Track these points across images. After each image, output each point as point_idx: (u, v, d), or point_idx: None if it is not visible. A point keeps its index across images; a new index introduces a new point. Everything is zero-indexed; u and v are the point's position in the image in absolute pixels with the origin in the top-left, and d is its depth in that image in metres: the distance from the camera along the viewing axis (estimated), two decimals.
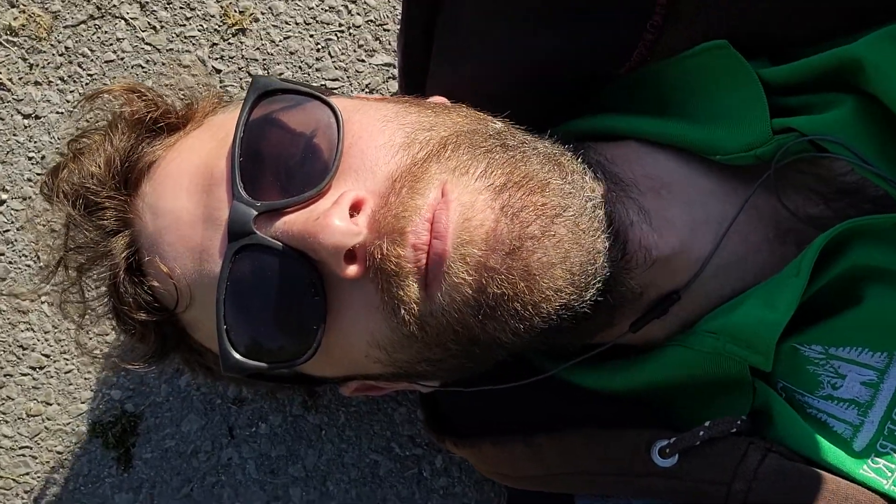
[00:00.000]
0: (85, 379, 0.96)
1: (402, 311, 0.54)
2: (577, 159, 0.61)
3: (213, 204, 0.57)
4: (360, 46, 0.91)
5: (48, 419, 0.96)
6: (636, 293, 0.61)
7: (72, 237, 0.65)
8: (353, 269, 0.53)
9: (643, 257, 0.59)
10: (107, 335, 0.95)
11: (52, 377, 0.96)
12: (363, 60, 0.91)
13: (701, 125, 0.63)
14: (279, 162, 0.57)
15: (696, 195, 0.63)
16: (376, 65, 0.91)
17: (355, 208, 0.54)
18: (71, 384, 0.96)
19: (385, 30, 0.91)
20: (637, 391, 0.66)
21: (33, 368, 0.96)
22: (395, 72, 0.91)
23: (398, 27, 0.87)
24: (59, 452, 0.96)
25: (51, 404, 0.96)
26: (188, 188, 0.59)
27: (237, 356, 0.57)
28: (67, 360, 0.96)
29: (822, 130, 0.58)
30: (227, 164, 0.57)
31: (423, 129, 0.58)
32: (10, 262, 0.95)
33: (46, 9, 0.95)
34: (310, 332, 0.57)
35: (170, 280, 0.59)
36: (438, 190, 0.54)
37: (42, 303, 0.95)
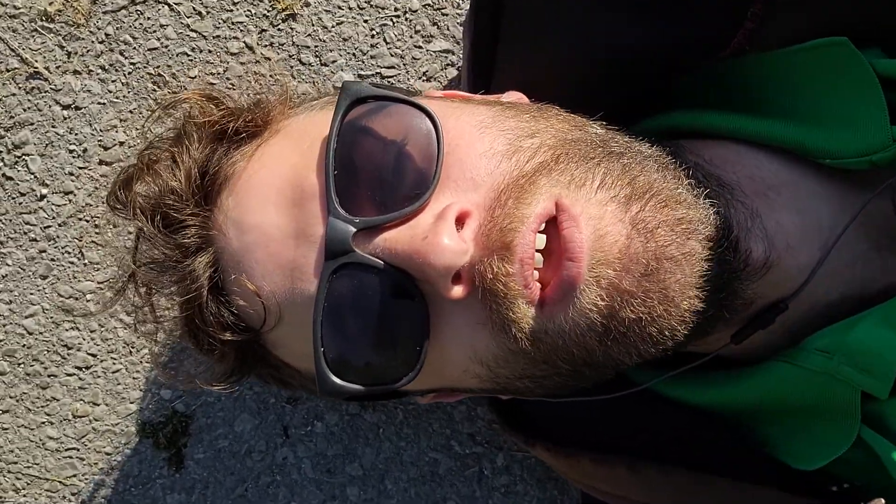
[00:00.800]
0: (133, 378, 0.93)
1: (514, 330, 0.51)
2: (679, 162, 0.58)
3: (307, 220, 0.54)
4: (416, 32, 0.87)
5: (96, 420, 0.94)
6: (748, 303, 0.58)
7: (144, 252, 0.62)
8: (458, 290, 0.51)
9: (760, 265, 0.57)
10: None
11: (99, 377, 0.93)
12: (420, 47, 0.87)
13: (809, 126, 0.60)
14: (374, 174, 0.54)
15: (805, 199, 0.60)
16: (434, 51, 0.87)
17: (459, 222, 0.51)
18: (119, 384, 0.93)
19: (443, 14, 0.87)
20: (729, 407, 0.64)
21: (79, 368, 0.93)
22: (454, 58, 0.87)
23: (457, 12, 0.83)
24: (107, 454, 0.93)
25: (98, 405, 0.93)
26: (276, 202, 0.55)
27: (336, 380, 0.54)
28: (115, 359, 0.93)
29: None
30: (321, 178, 0.54)
31: (525, 136, 0.55)
32: (53, 259, 0.92)
33: None
34: (411, 353, 0.54)
35: (257, 299, 0.56)
36: (550, 201, 0.51)
37: (87, 301, 0.92)
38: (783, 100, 0.63)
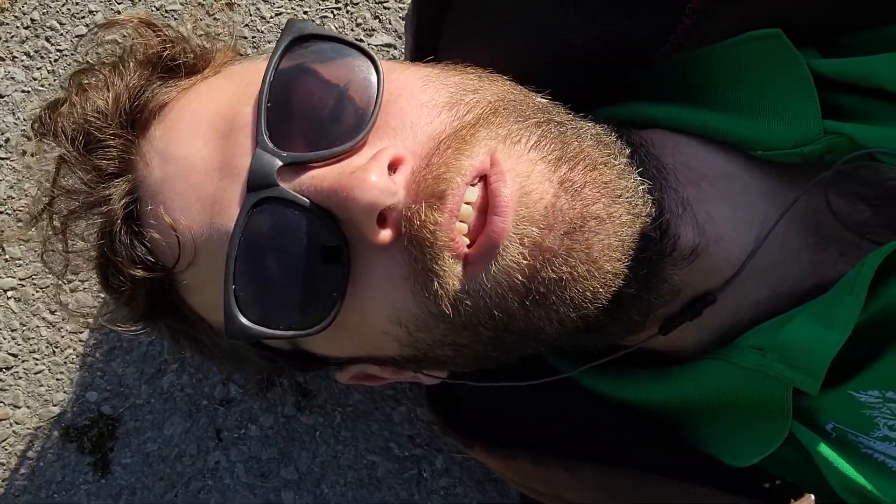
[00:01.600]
0: (57, 380, 0.89)
1: (436, 286, 0.50)
2: (621, 140, 0.58)
3: (233, 151, 0.52)
4: (357, 25, 0.86)
5: (16, 423, 0.89)
6: (675, 290, 0.58)
7: (64, 176, 0.59)
8: (385, 234, 0.49)
9: (689, 251, 0.56)
10: (80, 333, 0.88)
11: (20, 378, 0.89)
12: (362, 40, 0.85)
13: (744, 117, 0.60)
14: (310, 112, 0.52)
15: (737, 191, 0.60)
16: (376, 45, 0.86)
17: (392, 167, 0.50)
18: (42, 385, 0.89)
19: (385, 7, 0.85)
20: (662, 406, 0.64)
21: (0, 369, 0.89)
22: (396, 53, 0.86)
23: (399, 6, 0.82)
24: (29, 459, 0.89)
25: (19, 407, 0.89)
26: (205, 134, 0.53)
27: (243, 320, 0.52)
28: (38, 359, 0.88)
29: (882, 144, 0.55)
30: (253, 112, 0.52)
31: (468, 91, 0.54)
32: None
33: None
34: (327, 300, 0.52)
35: (172, 233, 0.53)
36: (487, 156, 0.50)
37: (8, 298, 0.88)
38: (720, 92, 0.63)
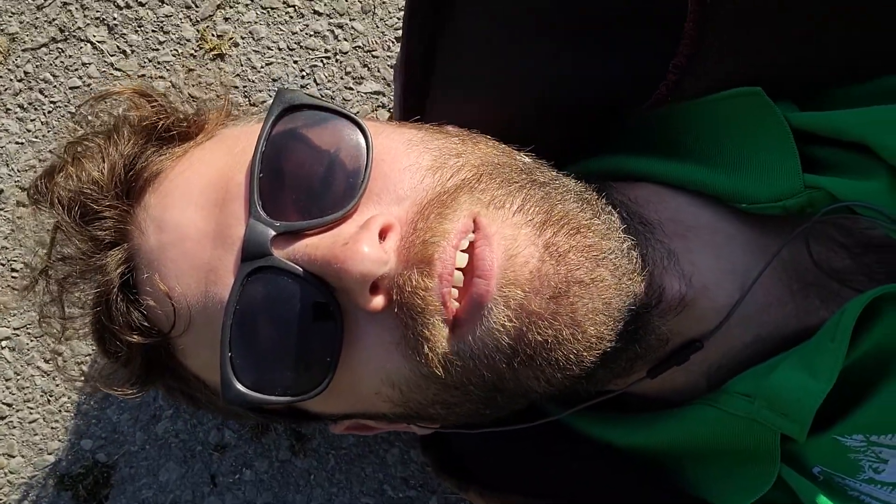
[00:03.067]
0: (52, 428, 0.89)
1: (426, 349, 0.51)
2: (602, 198, 0.59)
3: (227, 221, 0.53)
4: (347, 73, 0.87)
5: (11, 472, 0.89)
6: (663, 340, 0.59)
7: (59, 247, 0.60)
8: (378, 301, 0.50)
9: (676, 303, 0.57)
10: (74, 382, 0.88)
11: (14, 427, 0.89)
12: (351, 88, 0.87)
13: (727, 172, 0.62)
14: (301, 180, 0.53)
15: (722, 242, 0.61)
16: (365, 93, 0.87)
17: (382, 234, 0.51)
18: (36, 434, 0.89)
19: (374, 56, 0.87)
20: (652, 449, 0.65)
21: None
22: (385, 100, 0.87)
23: (388, 54, 0.84)
24: None
25: (14, 456, 0.89)
26: (198, 202, 0.54)
27: (240, 387, 0.52)
28: (32, 408, 0.89)
29: (859, 197, 0.57)
30: (245, 180, 0.53)
31: (451, 155, 0.55)
32: None
33: (2, 30, 0.88)
34: (321, 366, 0.53)
35: (168, 300, 0.54)
36: (469, 218, 0.51)
37: (3, 348, 0.88)
38: (702, 146, 0.64)
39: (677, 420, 0.62)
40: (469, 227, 0.51)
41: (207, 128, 0.62)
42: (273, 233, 0.51)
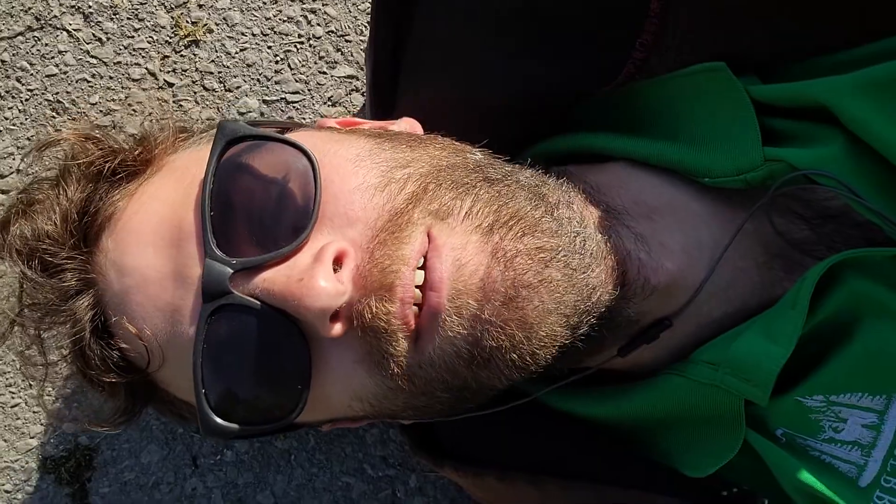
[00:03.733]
0: (34, 412, 0.90)
1: (392, 365, 0.52)
2: (561, 188, 0.60)
3: (184, 261, 0.53)
4: (321, 58, 0.88)
5: None
6: (632, 321, 0.60)
7: (27, 293, 0.60)
8: (337, 329, 0.51)
9: (642, 286, 0.59)
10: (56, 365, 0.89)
11: None
12: (325, 73, 0.88)
13: (690, 147, 0.63)
14: (252, 213, 0.53)
15: (687, 219, 0.62)
16: (339, 77, 0.88)
17: (337, 261, 0.51)
18: (18, 419, 0.90)
19: (347, 41, 0.88)
20: (623, 420, 0.66)
21: None
22: (359, 84, 0.88)
23: (361, 38, 0.85)
24: (7, 492, 0.90)
25: None
26: (154, 243, 0.54)
27: (219, 421, 0.54)
28: (14, 392, 0.90)
29: (816, 165, 0.58)
30: (197, 219, 0.53)
31: (398, 167, 0.55)
32: None
33: None
34: (294, 392, 0.54)
35: (139, 341, 0.55)
36: (424, 234, 0.52)
37: None
38: (667, 123, 0.66)
39: (646, 391, 0.64)
40: (425, 244, 0.52)
41: (156, 158, 0.62)
42: (230, 271, 0.51)
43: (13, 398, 0.90)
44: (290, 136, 0.56)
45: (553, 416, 0.70)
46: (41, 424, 0.90)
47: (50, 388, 0.88)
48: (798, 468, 0.57)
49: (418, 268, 0.51)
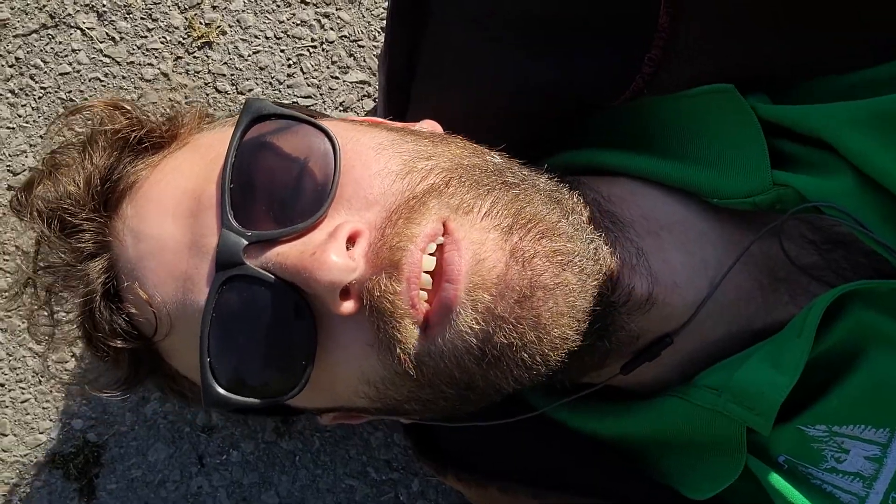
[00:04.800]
0: (43, 408, 0.91)
1: (398, 351, 0.52)
2: (575, 197, 0.60)
3: (201, 231, 0.54)
4: (333, 63, 0.88)
5: (3, 451, 0.91)
6: (633, 336, 0.60)
7: (43, 256, 0.62)
8: (348, 306, 0.51)
9: (643, 301, 0.59)
10: (66, 362, 0.90)
11: (6, 407, 0.91)
12: (337, 77, 0.88)
13: (699, 167, 0.63)
14: (271, 189, 0.54)
15: (694, 237, 0.62)
16: (351, 82, 0.88)
17: (351, 241, 0.52)
18: (28, 414, 0.91)
19: (359, 46, 0.88)
20: (626, 439, 0.66)
21: None
22: (371, 89, 0.88)
23: (374, 44, 0.85)
24: (16, 486, 0.91)
25: (6, 435, 0.91)
26: (174, 212, 0.56)
27: (220, 391, 0.54)
28: (24, 388, 0.91)
29: (825, 196, 0.58)
30: (217, 191, 0.54)
31: (421, 158, 0.56)
32: None
33: None
34: (297, 368, 0.54)
35: (149, 308, 0.56)
36: (437, 223, 0.52)
37: None
38: (676, 141, 0.65)
39: (647, 411, 0.64)
40: (438, 230, 0.52)
41: (182, 135, 0.63)
42: (245, 242, 0.52)
43: (23, 394, 0.91)
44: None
45: (556, 430, 0.70)
46: (50, 420, 0.91)
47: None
48: (799, 496, 0.58)
49: (430, 254, 0.52)
